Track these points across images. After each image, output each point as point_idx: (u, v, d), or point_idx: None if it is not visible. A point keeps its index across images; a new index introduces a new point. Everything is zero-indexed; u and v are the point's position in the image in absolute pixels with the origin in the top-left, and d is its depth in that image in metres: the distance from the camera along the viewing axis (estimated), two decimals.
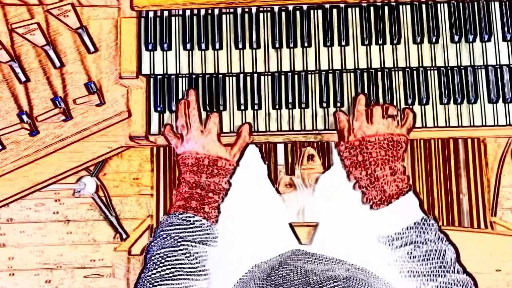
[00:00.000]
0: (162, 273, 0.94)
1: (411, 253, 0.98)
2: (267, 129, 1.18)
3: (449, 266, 0.95)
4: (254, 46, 1.19)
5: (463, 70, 1.17)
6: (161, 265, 0.95)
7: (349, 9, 1.19)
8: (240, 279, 1.08)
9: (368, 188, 1.04)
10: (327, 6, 1.19)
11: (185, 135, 1.12)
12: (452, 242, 1.01)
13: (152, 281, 0.92)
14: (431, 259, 0.96)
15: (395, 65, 1.18)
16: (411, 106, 1.17)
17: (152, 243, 1.01)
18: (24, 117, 1.19)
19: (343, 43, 1.18)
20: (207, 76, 1.20)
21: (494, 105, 1.16)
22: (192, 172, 1.07)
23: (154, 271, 0.94)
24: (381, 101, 1.17)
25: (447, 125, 1.17)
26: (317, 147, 1.75)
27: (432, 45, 1.18)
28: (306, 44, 1.18)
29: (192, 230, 1.02)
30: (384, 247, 1.03)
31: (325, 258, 1.11)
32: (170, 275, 0.94)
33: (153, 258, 0.97)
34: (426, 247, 0.97)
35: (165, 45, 1.19)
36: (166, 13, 1.20)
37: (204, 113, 1.18)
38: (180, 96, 1.19)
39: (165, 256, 0.96)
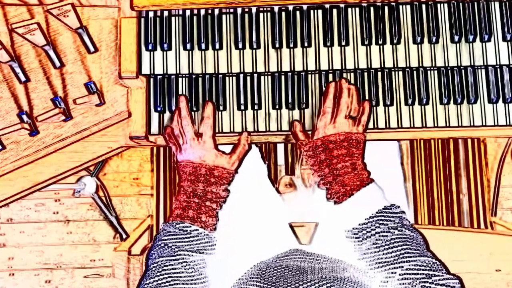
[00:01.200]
0: (159, 282, 0.96)
1: (376, 243, 0.98)
2: (267, 129, 1.18)
3: (413, 252, 0.95)
4: (254, 46, 1.19)
5: (463, 70, 1.17)
6: (158, 274, 0.98)
7: (349, 9, 1.19)
8: (239, 278, 1.08)
9: (331, 184, 1.06)
10: (327, 6, 1.19)
11: (181, 144, 1.13)
12: (419, 231, 1.01)
13: None
14: (396, 247, 0.96)
15: (395, 65, 1.18)
16: (411, 106, 1.17)
17: (152, 251, 1.04)
18: (24, 117, 1.19)
19: (343, 43, 1.18)
20: (207, 76, 1.19)
21: (494, 105, 1.16)
22: (190, 181, 1.08)
23: (152, 280, 0.97)
24: (381, 101, 1.17)
25: (447, 125, 1.17)
26: None
27: (432, 45, 1.18)
28: (306, 44, 1.18)
29: (189, 239, 1.04)
30: (351, 242, 1.03)
31: (323, 258, 1.11)
32: (167, 284, 0.96)
33: (151, 266, 1.00)
34: (390, 235, 0.98)
35: (165, 45, 1.19)
36: (166, 13, 1.20)
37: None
38: None
39: (162, 265, 0.99)
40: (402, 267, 0.93)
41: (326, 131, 1.09)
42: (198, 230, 1.05)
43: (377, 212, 1.01)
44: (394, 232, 0.98)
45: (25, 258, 1.88)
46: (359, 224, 1.01)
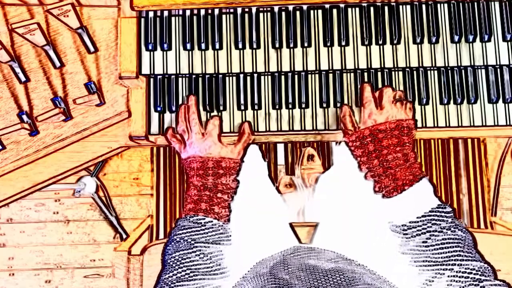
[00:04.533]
0: (179, 275, 0.96)
1: (426, 242, 0.95)
2: (267, 129, 1.18)
3: (466, 254, 0.92)
4: (254, 46, 1.19)
5: (463, 70, 1.17)
6: (177, 267, 0.98)
7: (349, 9, 1.19)
8: (243, 276, 1.08)
9: (380, 177, 1.02)
10: (327, 6, 1.19)
11: (186, 139, 1.13)
12: (469, 230, 0.98)
13: (170, 284, 0.95)
14: (447, 248, 0.93)
15: (395, 65, 1.18)
16: None
17: (168, 247, 1.03)
18: (24, 117, 1.19)
19: (343, 43, 1.18)
20: (207, 76, 1.20)
21: (494, 105, 1.16)
22: (199, 176, 1.08)
23: (171, 274, 0.97)
24: None
25: (447, 125, 1.17)
26: (317, 147, 1.75)
27: (432, 45, 1.18)
28: (306, 44, 1.18)
29: (204, 231, 1.04)
30: (397, 236, 1.00)
31: (327, 252, 1.11)
32: (186, 276, 0.96)
33: (169, 261, 1.00)
34: (442, 235, 0.94)
35: (165, 45, 1.19)
36: (166, 13, 1.20)
37: (204, 113, 1.18)
38: (180, 96, 1.19)
39: (180, 259, 0.99)
40: (452, 269, 0.90)
41: (375, 118, 1.04)
42: (212, 221, 1.05)
43: (430, 211, 0.97)
44: (447, 233, 0.94)
45: (25, 258, 1.88)
46: (409, 222, 0.97)
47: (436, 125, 1.17)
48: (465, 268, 0.89)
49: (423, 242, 0.96)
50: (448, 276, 0.90)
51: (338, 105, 1.17)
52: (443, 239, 0.94)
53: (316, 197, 1.51)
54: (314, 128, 1.18)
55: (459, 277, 0.89)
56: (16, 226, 1.89)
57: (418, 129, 1.17)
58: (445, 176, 1.72)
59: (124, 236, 1.86)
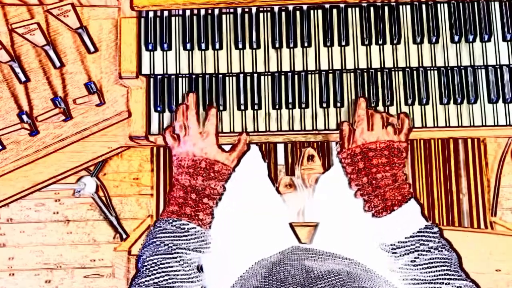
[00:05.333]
0: (156, 280, 0.94)
1: (414, 261, 0.98)
2: (267, 129, 1.18)
3: (453, 273, 0.95)
4: (254, 46, 1.19)
5: (463, 70, 1.17)
6: (154, 272, 0.95)
7: (349, 9, 1.19)
8: (241, 276, 1.08)
9: (370, 196, 1.04)
10: (327, 6, 1.19)
11: (182, 136, 1.12)
12: (454, 248, 1.01)
13: None
14: (435, 267, 0.96)
15: (395, 65, 1.18)
16: (411, 106, 1.17)
17: (144, 249, 1.01)
18: (24, 117, 1.19)
19: (343, 43, 1.18)
20: (207, 76, 1.20)
21: (494, 105, 1.16)
22: (188, 174, 1.07)
23: (148, 278, 0.94)
24: (381, 101, 1.17)
25: (447, 125, 1.17)
26: (317, 147, 1.75)
27: (432, 45, 1.18)
28: (306, 44, 1.18)
29: (186, 237, 1.02)
30: (386, 255, 1.02)
31: (325, 253, 1.11)
32: (164, 282, 0.94)
33: (145, 264, 0.97)
34: (430, 255, 0.97)
35: (165, 45, 1.19)
36: (166, 13, 1.20)
37: (204, 113, 1.18)
38: (180, 96, 1.19)
39: (158, 263, 0.96)
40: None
41: (365, 138, 1.06)
42: (195, 228, 1.04)
43: (418, 231, 0.99)
44: (434, 252, 0.97)
45: (25, 258, 1.88)
46: (398, 242, 1.00)
47: (436, 125, 1.17)
48: (452, 287, 0.92)
49: (411, 261, 0.98)
50: None
51: (338, 105, 1.17)
52: (430, 258, 0.97)
53: (316, 197, 1.51)
54: (314, 128, 1.18)
55: None
56: (16, 226, 1.89)
57: (418, 129, 1.17)
58: (445, 176, 1.72)
59: (124, 236, 1.87)
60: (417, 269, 0.97)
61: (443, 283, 0.93)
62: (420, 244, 0.98)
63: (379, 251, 1.04)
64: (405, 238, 0.99)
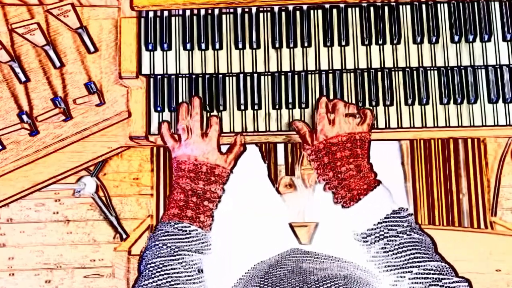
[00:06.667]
0: (159, 282, 0.94)
1: (385, 248, 0.98)
2: (267, 129, 1.18)
3: (423, 256, 0.95)
4: (254, 46, 1.19)
5: (463, 70, 1.17)
6: (157, 274, 0.96)
7: (349, 9, 1.19)
8: (240, 278, 1.08)
9: (337, 188, 1.05)
10: (327, 6, 1.19)
11: (184, 139, 1.12)
12: (427, 233, 1.01)
13: None
14: (405, 251, 0.96)
15: (395, 65, 1.18)
16: (411, 106, 1.17)
17: (147, 252, 1.01)
18: (24, 117, 1.19)
19: (343, 43, 1.18)
20: (207, 76, 1.20)
21: (494, 105, 1.16)
22: (189, 178, 1.07)
23: (151, 280, 0.95)
24: (381, 101, 1.17)
25: (447, 125, 1.17)
26: None
27: (432, 45, 1.18)
28: (306, 44, 1.18)
29: (188, 239, 1.03)
30: (360, 245, 1.03)
31: (323, 256, 1.11)
32: (167, 284, 0.95)
33: (148, 266, 0.97)
34: (399, 239, 0.97)
35: (165, 45, 1.19)
36: (166, 13, 1.20)
37: (204, 113, 1.18)
38: (180, 96, 1.19)
39: (160, 265, 0.97)
40: (412, 271, 0.93)
41: (327, 133, 1.07)
42: (197, 230, 1.05)
43: (385, 218, 1.00)
44: (403, 237, 0.97)
45: (25, 258, 1.88)
46: (367, 230, 1.00)
47: (436, 125, 1.17)
48: (424, 269, 0.92)
49: (381, 248, 0.98)
50: (409, 279, 0.92)
51: None
52: (400, 243, 0.97)
53: (316, 197, 1.51)
54: (314, 128, 1.17)
55: (419, 278, 0.91)
56: (16, 226, 1.89)
57: (418, 129, 1.17)
58: (445, 176, 1.72)
59: (124, 236, 1.87)
60: (389, 255, 0.97)
61: (413, 266, 0.93)
62: (389, 230, 0.98)
63: (354, 243, 1.04)
64: (374, 225, 1.00)
